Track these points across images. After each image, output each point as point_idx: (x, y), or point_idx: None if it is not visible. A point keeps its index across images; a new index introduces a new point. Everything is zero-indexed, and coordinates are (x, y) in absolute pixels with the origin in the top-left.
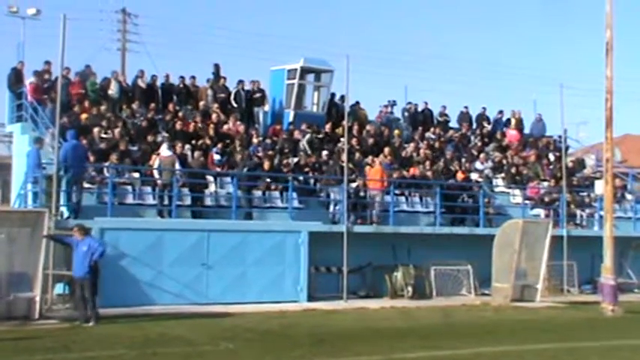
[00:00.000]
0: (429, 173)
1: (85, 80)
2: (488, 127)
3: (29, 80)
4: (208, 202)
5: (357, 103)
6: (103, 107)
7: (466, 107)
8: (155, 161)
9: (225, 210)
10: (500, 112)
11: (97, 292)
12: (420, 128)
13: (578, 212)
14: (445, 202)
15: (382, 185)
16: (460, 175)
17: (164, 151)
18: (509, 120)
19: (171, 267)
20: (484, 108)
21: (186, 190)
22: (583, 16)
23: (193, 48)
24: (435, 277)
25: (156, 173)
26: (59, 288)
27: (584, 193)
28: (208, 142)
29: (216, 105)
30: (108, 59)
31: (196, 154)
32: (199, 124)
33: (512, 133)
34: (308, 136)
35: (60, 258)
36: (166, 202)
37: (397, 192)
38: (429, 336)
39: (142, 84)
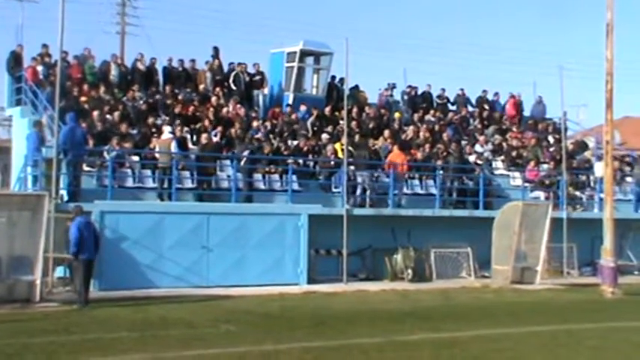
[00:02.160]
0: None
1: (84, 63)
2: (488, 110)
3: (28, 64)
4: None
5: (357, 86)
6: (102, 90)
7: (462, 89)
8: (155, 145)
9: (225, 193)
10: (496, 94)
11: (78, 278)
12: (421, 111)
13: (578, 194)
14: (456, 186)
15: (402, 169)
16: (473, 158)
17: (165, 134)
18: (507, 102)
19: (172, 250)
20: (485, 91)
21: (186, 174)
22: None
23: (192, 31)
24: (435, 259)
25: (157, 156)
26: (60, 271)
27: (584, 176)
28: (207, 124)
29: (217, 89)
30: (107, 42)
31: (205, 136)
32: (199, 107)
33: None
34: (312, 118)
35: (60, 241)
36: (166, 185)
37: None
38: (429, 318)
39: (141, 67)
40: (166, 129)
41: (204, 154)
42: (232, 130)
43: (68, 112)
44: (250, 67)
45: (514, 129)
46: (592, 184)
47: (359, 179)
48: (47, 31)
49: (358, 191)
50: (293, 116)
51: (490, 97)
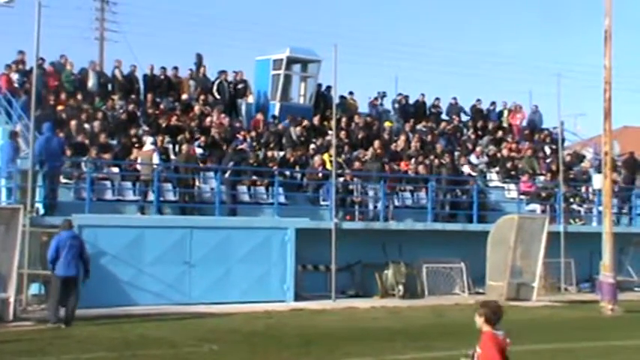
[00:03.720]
0: (420, 167)
1: (61, 71)
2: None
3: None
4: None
5: (351, 93)
6: (80, 99)
7: (454, 98)
8: (137, 156)
9: (208, 206)
10: (493, 103)
11: (51, 293)
12: (412, 120)
13: (576, 207)
14: (449, 199)
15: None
16: (467, 169)
17: (147, 145)
18: (501, 112)
19: (153, 265)
20: (479, 100)
21: (168, 186)
22: (580, 3)
23: (175, 37)
24: (427, 275)
25: (139, 167)
26: (34, 288)
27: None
28: (188, 135)
29: (201, 97)
30: (85, 49)
31: (185, 147)
32: (181, 117)
33: (518, 116)
34: (298, 128)
35: (35, 257)
36: (150, 197)
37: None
38: (421, 337)
39: (118, 75)
40: (148, 140)
41: (185, 164)
42: (215, 141)
43: (44, 121)
44: (231, 74)
45: (509, 139)
46: (590, 196)
47: (370, 192)
48: (23, 37)
49: (371, 206)
50: (280, 126)
51: (485, 106)
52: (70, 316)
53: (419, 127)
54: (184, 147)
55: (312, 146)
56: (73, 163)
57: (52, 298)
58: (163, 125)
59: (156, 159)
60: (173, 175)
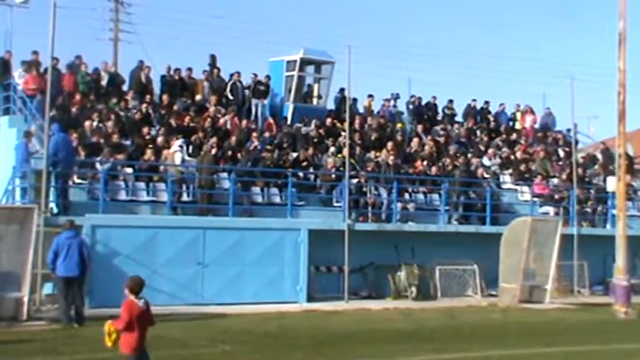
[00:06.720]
0: (434, 169)
1: (76, 72)
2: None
3: (24, 71)
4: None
5: (371, 96)
6: (93, 99)
7: (474, 100)
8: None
9: (222, 207)
10: (502, 104)
11: (59, 293)
12: (427, 122)
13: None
14: (462, 200)
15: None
16: (481, 171)
17: (173, 146)
18: (514, 114)
19: (166, 266)
20: (487, 102)
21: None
22: (595, 5)
23: (189, 38)
24: (440, 277)
25: (165, 167)
26: (48, 288)
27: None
28: (204, 135)
29: (213, 98)
30: (100, 50)
31: (205, 147)
32: (194, 118)
33: (528, 119)
34: (312, 129)
35: None
36: (164, 198)
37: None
38: (434, 338)
39: (143, 78)
40: (176, 142)
41: (203, 165)
42: (230, 142)
43: (59, 121)
44: (246, 76)
45: (522, 141)
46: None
47: (383, 194)
48: (38, 38)
49: (384, 207)
50: (293, 128)
51: (494, 108)
52: (80, 316)
53: (435, 128)
54: (205, 147)
55: (331, 149)
56: (86, 163)
57: (60, 298)
58: (177, 126)
59: (177, 159)
60: (193, 177)
